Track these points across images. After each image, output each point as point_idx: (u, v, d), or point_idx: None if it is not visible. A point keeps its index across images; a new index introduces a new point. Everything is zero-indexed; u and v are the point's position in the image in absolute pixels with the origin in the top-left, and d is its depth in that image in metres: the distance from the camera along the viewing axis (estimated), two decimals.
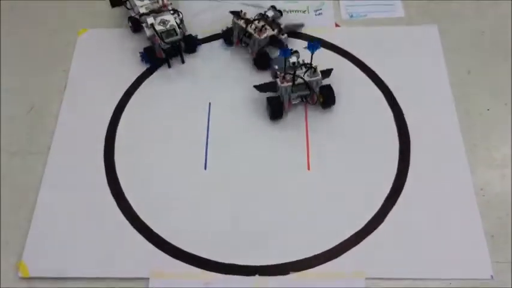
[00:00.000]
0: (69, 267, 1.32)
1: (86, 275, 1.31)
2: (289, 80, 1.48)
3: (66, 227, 1.38)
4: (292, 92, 1.51)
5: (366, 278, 1.29)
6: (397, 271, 1.30)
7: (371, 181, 1.44)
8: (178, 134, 1.54)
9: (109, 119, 1.57)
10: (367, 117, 1.55)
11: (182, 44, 1.66)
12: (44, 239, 1.36)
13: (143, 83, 1.65)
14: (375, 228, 1.36)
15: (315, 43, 1.43)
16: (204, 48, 1.74)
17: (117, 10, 1.78)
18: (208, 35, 1.76)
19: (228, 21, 1.70)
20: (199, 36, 1.74)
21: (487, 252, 1.31)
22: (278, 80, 1.50)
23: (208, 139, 1.53)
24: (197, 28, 1.76)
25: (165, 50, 1.63)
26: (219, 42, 1.74)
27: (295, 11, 1.83)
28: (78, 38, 1.76)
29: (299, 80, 1.49)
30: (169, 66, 1.68)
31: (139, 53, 1.69)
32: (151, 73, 1.68)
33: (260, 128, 1.54)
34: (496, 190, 1.41)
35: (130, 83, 1.65)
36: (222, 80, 1.64)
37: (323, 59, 1.56)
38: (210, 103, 1.60)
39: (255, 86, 1.56)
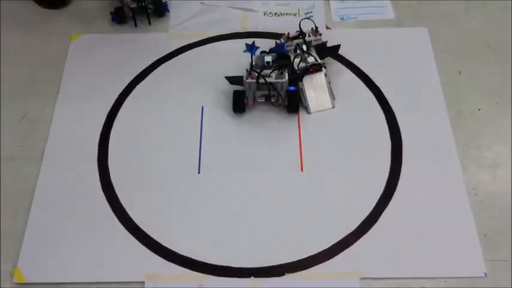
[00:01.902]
0: (65, 272, 1.32)
1: (82, 280, 1.31)
2: (254, 77, 1.50)
3: (61, 233, 1.38)
4: (257, 89, 1.53)
5: (361, 278, 1.30)
6: (392, 271, 1.31)
7: (364, 182, 1.45)
8: (171, 137, 1.55)
9: (102, 124, 1.58)
10: (360, 118, 1.57)
11: (151, 7, 1.78)
12: (39, 244, 1.36)
13: (136, 88, 1.66)
14: (368, 229, 1.37)
15: (253, 45, 1.47)
16: (195, 52, 1.74)
17: (109, 16, 1.79)
18: (200, 38, 1.77)
19: (216, 24, 1.74)
20: (186, 42, 1.75)
21: (480, 251, 1.33)
22: (244, 76, 1.51)
23: (202, 142, 1.53)
24: (187, 31, 1.78)
25: (133, 9, 1.75)
26: (210, 46, 1.75)
27: (286, 13, 1.84)
28: (71, 44, 1.76)
29: (272, 79, 1.50)
30: (135, 25, 1.80)
31: (110, 12, 1.79)
32: (144, 78, 1.68)
33: (253, 131, 1.55)
34: (488, 189, 1.42)
35: (123, 88, 1.65)
36: (214, 84, 1.64)
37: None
38: (202, 106, 1.60)
39: (226, 77, 1.58)
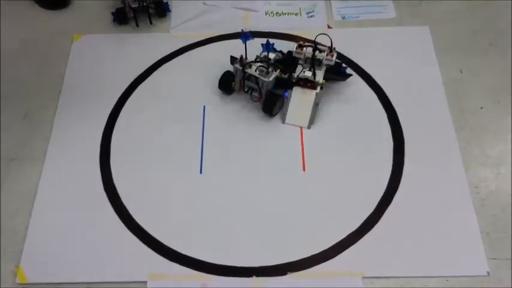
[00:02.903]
0: (67, 272, 1.32)
1: (84, 280, 1.31)
2: (241, 65, 1.51)
3: (63, 233, 1.38)
4: (247, 79, 1.54)
5: (363, 277, 1.30)
6: (394, 270, 1.31)
7: (366, 181, 1.44)
8: (173, 138, 1.55)
9: (104, 124, 1.58)
10: (362, 118, 1.56)
11: (152, 7, 1.80)
12: (42, 244, 1.37)
13: (138, 88, 1.66)
14: (371, 228, 1.37)
15: (247, 33, 1.47)
16: (197, 52, 1.75)
17: (110, 16, 1.80)
18: (202, 38, 1.77)
19: (217, 24, 1.74)
20: (187, 42, 1.76)
21: (483, 249, 1.32)
22: (238, 59, 1.54)
23: (204, 143, 1.53)
24: (189, 31, 1.78)
25: (134, 9, 1.76)
26: (211, 46, 1.75)
27: (288, 13, 1.84)
28: (73, 44, 1.76)
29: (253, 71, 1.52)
30: (137, 25, 1.81)
31: (111, 13, 1.80)
32: (146, 78, 1.68)
33: (255, 131, 1.55)
34: (491, 188, 1.42)
35: (124, 88, 1.66)
36: (216, 84, 1.63)
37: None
38: (204, 106, 1.61)
39: (231, 56, 1.58)
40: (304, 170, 1.47)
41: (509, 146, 1.49)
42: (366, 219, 1.38)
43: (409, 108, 1.57)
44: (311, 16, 1.82)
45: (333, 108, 1.58)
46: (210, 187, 1.45)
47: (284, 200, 1.42)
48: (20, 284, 1.31)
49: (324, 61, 1.55)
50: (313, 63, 1.54)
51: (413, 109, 1.57)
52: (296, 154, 1.50)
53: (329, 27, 1.79)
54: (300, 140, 1.52)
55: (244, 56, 1.53)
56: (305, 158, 1.49)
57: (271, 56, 1.55)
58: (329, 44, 1.56)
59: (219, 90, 1.62)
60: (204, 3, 1.87)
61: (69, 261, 1.34)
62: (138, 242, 1.37)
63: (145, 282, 1.30)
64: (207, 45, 1.76)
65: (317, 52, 1.54)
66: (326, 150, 1.51)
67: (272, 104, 1.53)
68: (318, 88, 1.53)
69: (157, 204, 1.43)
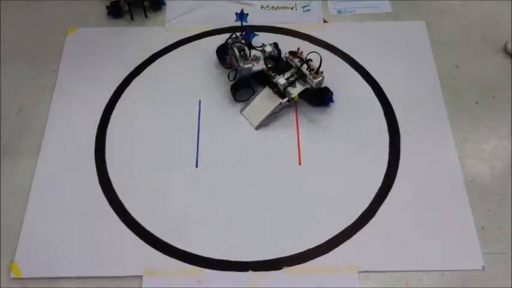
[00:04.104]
0: (62, 266, 1.32)
1: (79, 275, 1.31)
2: (233, 41, 1.58)
3: (58, 227, 1.38)
4: (227, 53, 1.59)
5: (359, 272, 1.30)
6: (390, 264, 1.31)
7: (362, 175, 1.45)
8: (168, 132, 1.54)
9: (99, 118, 1.57)
10: (357, 112, 1.56)
11: (147, 1, 1.79)
12: (36, 239, 1.36)
13: (132, 82, 1.65)
14: (366, 222, 1.37)
15: (242, 13, 1.56)
16: (192, 46, 1.73)
17: (105, 10, 1.78)
18: (197, 32, 1.76)
19: (213, 18, 1.75)
20: (182, 36, 1.75)
21: (478, 244, 1.33)
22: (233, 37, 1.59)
23: (200, 137, 1.53)
24: (184, 25, 1.77)
25: (129, 3, 1.77)
26: (207, 40, 1.74)
27: (283, 7, 1.83)
28: (67, 37, 1.75)
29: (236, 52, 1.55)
30: (131, 18, 1.80)
31: (106, 6, 1.79)
32: (141, 72, 1.67)
33: (251, 125, 1.54)
34: (486, 182, 1.43)
35: (119, 82, 1.65)
36: (211, 78, 1.63)
37: (312, 55, 1.57)
38: (200, 100, 1.60)
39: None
40: (300, 163, 1.47)
41: (505, 141, 1.49)
42: (361, 214, 1.38)
43: (405, 103, 1.57)
44: (307, 10, 1.82)
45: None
46: (205, 181, 1.45)
47: (280, 194, 1.42)
48: (15, 278, 1.30)
49: (307, 78, 1.51)
50: (300, 76, 1.52)
51: (409, 104, 1.57)
52: (292, 148, 1.50)
53: (325, 21, 1.79)
54: (296, 134, 1.52)
55: (239, 36, 1.57)
56: (301, 151, 1.49)
57: (268, 49, 1.56)
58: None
59: (214, 84, 1.62)
60: None
61: (64, 256, 1.33)
62: (133, 237, 1.36)
63: (141, 276, 1.30)
64: (202, 39, 1.75)
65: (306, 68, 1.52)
66: (322, 144, 1.51)
67: (235, 89, 1.56)
68: (285, 99, 1.51)
69: (153, 198, 1.42)
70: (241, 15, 1.54)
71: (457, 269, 1.30)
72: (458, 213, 1.37)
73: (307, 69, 1.51)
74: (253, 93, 1.56)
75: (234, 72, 1.60)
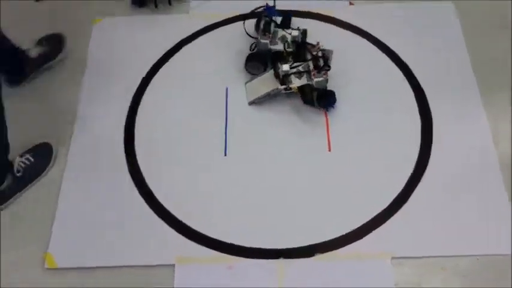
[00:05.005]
0: (95, 256, 1.33)
1: (112, 264, 1.31)
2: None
3: (90, 218, 1.38)
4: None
5: (392, 258, 1.28)
6: (424, 249, 1.29)
7: (394, 160, 1.42)
8: (196, 120, 1.54)
9: (128, 107, 1.57)
10: (388, 96, 1.54)
11: None
12: (69, 230, 1.37)
13: (160, 70, 1.64)
14: (399, 208, 1.35)
15: (272, 7, 1.55)
16: (217, 32, 1.72)
17: None
18: (222, 18, 1.74)
19: (238, 4, 1.72)
20: (207, 23, 1.73)
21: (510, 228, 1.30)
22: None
23: (227, 125, 1.52)
24: (208, 11, 1.76)
25: None
26: (232, 26, 1.73)
27: None
28: (93, 27, 1.75)
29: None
30: (155, 6, 1.79)
31: None
32: (168, 60, 1.66)
33: (279, 112, 1.53)
34: None
35: (146, 71, 1.64)
36: (238, 65, 1.62)
37: (338, 38, 1.55)
38: (227, 88, 1.59)
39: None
40: (329, 150, 1.45)
41: None
42: (394, 199, 1.36)
43: (436, 86, 1.54)
44: None
45: (357, 86, 1.55)
46: (235, 169, 1.44)
47: (310, 181, 1.41)
48: (49, 268, 1.31)
49: (314, 77, 1.47)
50: (308, 69, 1.49)
51: (441, 87, 1.54)
52: (321, 134, 1.48)
53: (351, 3, 1.75)
54: (325, 120, 1.50)
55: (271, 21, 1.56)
56: (330, 138, 1.47)
57: (294, 33, 1.54)
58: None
59: (241, 71, 1.61)
60: None
61: (97, 246, 1.34)
62: (164, 225, 1.36)
63: (173, 265, 1.30)
64: (227, 26, 1.74)
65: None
66: (352, 130, 1.49)
67: (248, 59, 1.56)
68: (283, 87, 1.48)
69: (183, 187, 1.42)
70: (270, 9, 1.56)
71: (491, 253, 1.27)
72: (494, 197, 1.34)
73: (314, 66, 1.47)
74: (265, 70, 1.55)
75: (255, 44, 1.59)
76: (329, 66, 1.47)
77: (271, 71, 1.53)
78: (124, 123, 1.54)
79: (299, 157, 1.45)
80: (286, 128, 1.50)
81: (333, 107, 1.50)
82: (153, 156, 1.48)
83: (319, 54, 1.48)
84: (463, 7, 1.70)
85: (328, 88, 1.50)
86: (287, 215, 1.36)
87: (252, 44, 1.60)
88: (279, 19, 1.62)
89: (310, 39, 1.55)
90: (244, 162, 1.45)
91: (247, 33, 1.60)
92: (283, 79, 1.48)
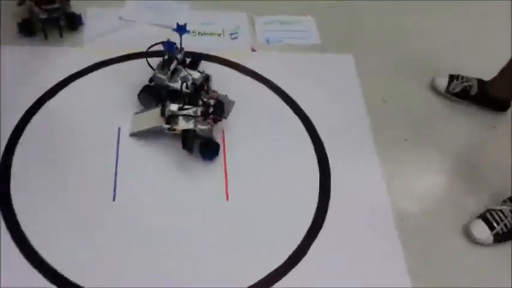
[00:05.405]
0: None
1: None
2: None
3: None
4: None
5: None
6: None
7: (292, 212, 1.38)
8: (84, 161, 1.41)
9: (4, 145, 1.41)
10: (287, 145, 1.51)
11: (63, 18, 1.66)
12: None
13: (45, 105, 1.51)
14: (296, 263, 1.29)
15: (183, 26, 1.46)
16: (111, 69, 1.63)
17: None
18: (116, 55, 1.65)
19: (134, 41, 1.64)
20: (101, 58, 1.64)
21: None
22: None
23: (118, 167, 1.41)
24: (103, 47, 1.67)
25: (43, 20, 1.61)
26: (128, 64, 1.64)
27: (211, 33, 1.76)
28: None
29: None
30: (45, 38, 1.66)
31: (17, 23, 1.64)
32: (55, 94, 1.53)
33: (175, 155, 1.44)
34: (416, 220, 1.40)
35: (30, 104, 1.50)
36: (132, 104, 1.53)
37: (239, 83, 1.51)
38: (119, 128, 1.48)
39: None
40: (227, 199, 1.39)
41: (432, 179, 1.49)
42: (291, 254, 1.30)
43: (334, 138, 1.53)
44: (234, 38, 1.76)
45: (257, 134, 1.52)
46: (124, 216, 1.33)
47: (205, 232, 1.32)
48: None
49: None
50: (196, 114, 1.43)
51: (339, 139, 1.54)
52: (219, 182, 1.41)
53: (253, 50, 1.73)
54: (223, 167, 1.44)
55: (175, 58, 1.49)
56: (228, 186, 1.40)
57: (194, 75, 1.49)
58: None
59: (135, 111, 1.51)
60: (121, 18, 1.76)
61: None
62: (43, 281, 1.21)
63: None
64: (123, 63, 1.65)
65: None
66: (250, 179, 1.43)
67: (142, 90, 1.50)
68: (166, 126, 1.40)
69: (64, 237, 1.28)
70: (181, 28, 1.47)
71: None
72: (390, 255, 1.33)
73: (201, 112, 1.41)
74: (157, 105, 1.47)
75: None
76: (220, 116, 1.43)
77: (160, 106, 1.44)
78: None
79: (195, 206, 1.37)
80: (182, 173, 1.42)
81: (211, 160, 1.43)
82: (33, 204, 1.32)
83: (211, 102, 1.42)
84: (362, 59, 1.73)
85: (220, 137, 1.46)
86: (180, 270, 1.26)
87: (152, 76, 1.52)
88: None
89: (218, 86, 1.51)
90: (135, 209, 1.34)
91: (148, 63, 1.51)
92: (169, 118, 1.41)
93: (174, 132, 1.41)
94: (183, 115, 1.41)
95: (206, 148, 1.42)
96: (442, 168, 1.52)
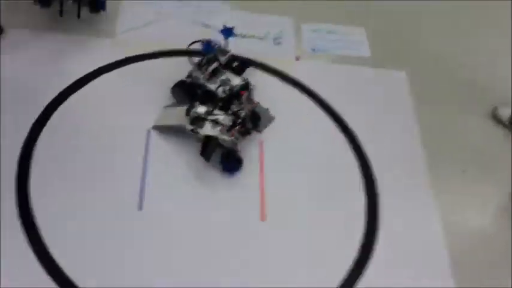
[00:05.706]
0: None
1: None
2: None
3: None
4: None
5: None
6: None
7: (336, 239, 1.25)
8: (108, 165, 1.28)
9: (22, 142, 1.28)
10: (331, 165, 1.38)
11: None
12: None
13: (68, 98, 1.38)
14: None
15: (230, 28, 1.44)
16: (145, 64, 1.51)
17: None
18: (151, 50, 1.53)
19: (172, 37, 1.55)
20: (134, 52, 1.52)
21: None
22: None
23: (146, 174, 1.27)
24: (136, 40, 1.55)
25: None
26: (163, 61, 1.52)
27: (252, 36, 1.63)
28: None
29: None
30: (60, 14, 1.53)
31: None
32: (80, 87, 1.41)
33: (211, 166, 1.31)
34: (473, 260, 1.26)
35: (52, 97, 1.37)
36: (163, 104, 1.41)
37: (280, 93, 1.43)
38: (149, 131, 1.35)
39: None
40: (263, 218, 1.25)
41: (491, 216, 1.35)
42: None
43: (384, 161, 1.40)
44: (278, 43, 1.63)
45: (299, 150, 1.39)
46: (150, 228, 1.20)
47: (237, 251, 1.20)
48: None
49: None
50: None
51: (389, 165, 1.40)
52: (254, 199, 1.28)
53: (297, 58, 1.60)
54: (260, 185, 1.31)
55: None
56: (265, 205, 1.27)
57: (234, 81, 1.39)
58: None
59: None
60: (157, 13, 1.63)
61: None
62: None
63: None
64: (157, 59, 1.53)
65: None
66: (289, 200, 1.30)
67: (177, 84, 1.42)
68: (189, 127, 1.31)
69: (88, 248, 1.15)
70: (228, 31, 1.45)
71: None
72: None
73: (230, 122, 1.31)
74: (189, 103, 1.36)
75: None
76: (252, 130, 1.37)
77: (189, 104, 1.34)
78: (17, 164, 1.24)
79: (228, 224, 1.24)
80: (216, 184, 1.29)
81: (231, 174, 1.32)
82: (52, 204, 1.19)
83: (242, 113, 1.33)
84: (415, 76, 1.60)
85: (256, 152, 1.36)
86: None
87: (189, 72, 1.42)
88: None
89: (260, 95, 1.41)
90: (162, 220, 1.22)
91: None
92: (194, 120, 1.30)
93: (197, 135, 1.31)
94: (211, 120, 1.30)
95: (227, 160, 1.32)
96: (503, 203, 1.38)
